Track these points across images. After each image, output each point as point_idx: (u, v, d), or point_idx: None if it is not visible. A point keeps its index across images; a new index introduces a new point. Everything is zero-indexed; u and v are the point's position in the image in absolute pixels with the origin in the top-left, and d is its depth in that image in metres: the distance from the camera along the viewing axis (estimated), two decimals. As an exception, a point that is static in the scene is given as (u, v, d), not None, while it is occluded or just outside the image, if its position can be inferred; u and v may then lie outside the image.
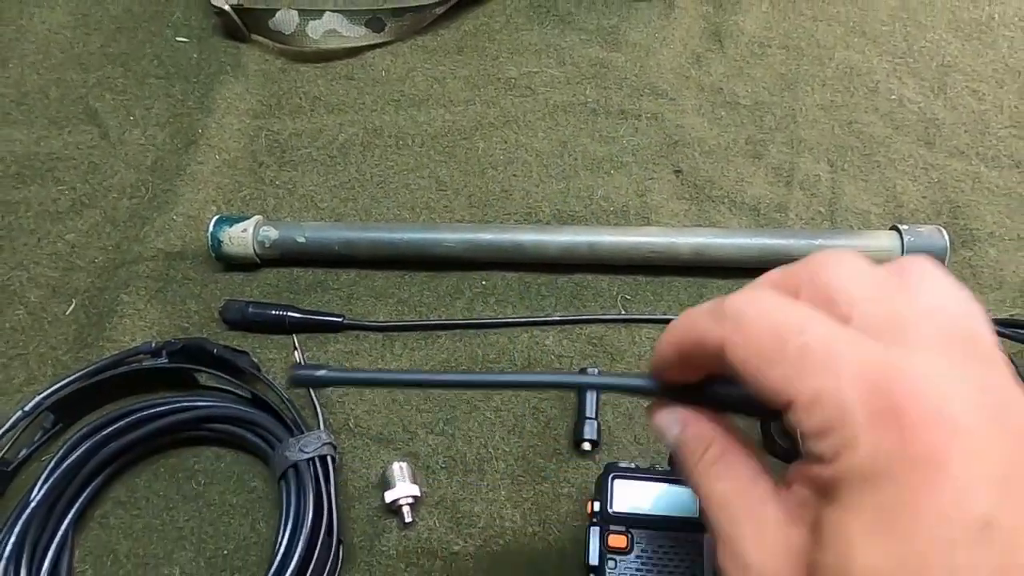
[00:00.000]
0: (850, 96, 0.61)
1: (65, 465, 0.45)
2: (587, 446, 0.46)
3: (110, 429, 0.46)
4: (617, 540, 0.37)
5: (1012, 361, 0.26)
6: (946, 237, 0.50)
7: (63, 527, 0.44)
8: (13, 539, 0.42)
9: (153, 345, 0.49)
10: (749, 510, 0.23)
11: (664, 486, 0.38)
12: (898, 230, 0.51)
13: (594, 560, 0.37)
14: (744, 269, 0.52)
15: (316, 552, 0.41)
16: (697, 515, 0.36)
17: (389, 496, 0.44)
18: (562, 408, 0.48)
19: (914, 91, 0.61)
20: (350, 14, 0.64)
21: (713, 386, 0.26)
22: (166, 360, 0.48)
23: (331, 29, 0.64)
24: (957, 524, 0.18)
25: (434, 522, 0.45)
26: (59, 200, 0.58)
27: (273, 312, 0.51)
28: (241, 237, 0.52)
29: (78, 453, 0.45)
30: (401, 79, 0.64)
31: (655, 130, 0.60)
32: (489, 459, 0.46)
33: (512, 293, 0.53)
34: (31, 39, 0.68)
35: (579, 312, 0.52)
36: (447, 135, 0.60)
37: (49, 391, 0.47)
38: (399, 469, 0.45)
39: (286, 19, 0.64)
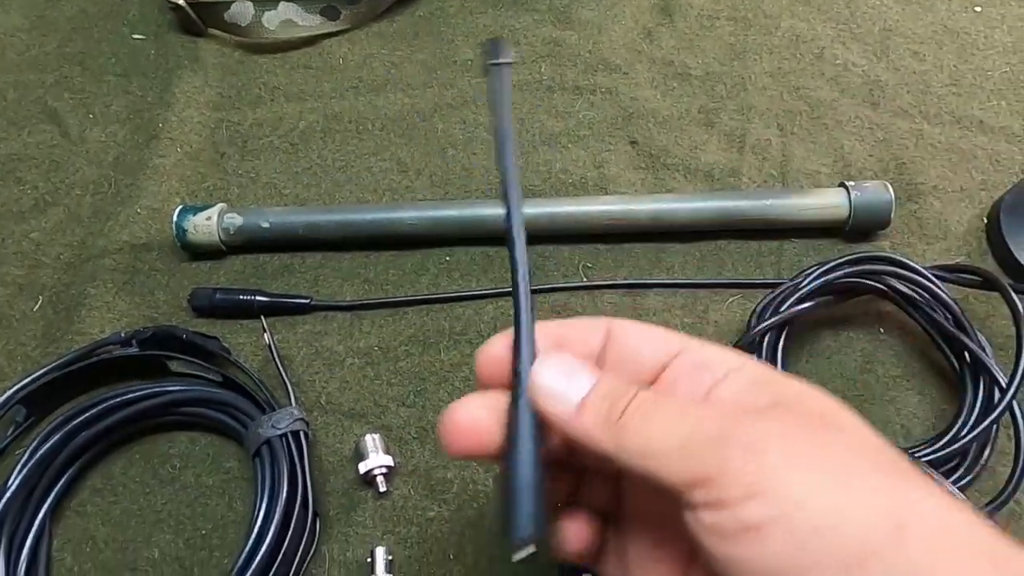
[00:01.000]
0: (797, 63, 0.63)
1: (39, 455, 0.45)
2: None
3: (82, 418, 0.46)
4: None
5: None
6: (891, 191, 0.52)
7: (40, 517, 0.45)
8: (-10, 529, 0.42)
9: (123, 335, 0.49)
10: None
11: None
12: (845, 187, 0.52)
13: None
14: (700, 232, 0.54)
15: (292, 525, 0.42)
16: None
17: (363, 467, 0.45)
18: (529, 374, 0.49)
19: (858, 55, 0.63)
20: (305, 3, 0.65)
21: None
22: (136, 349, 0.49)
23: (287, 19, 0.65)
24: None
25: (408, 491, 0.46)
26: (21, 200, 0.58)
27: (241, 297, 0.52)
28: (206, 225, 0.53)
29: (51, 443, 0.46)
30: (359, 66, 0.64)
31: (610, 104, 0.61)
32: (460, 427, 0.47)
33: (476, 267, 0.54)
34: (-14, 43, 0.68)
35: (542, 282, 0.53)
36: (406, 118, 0.61)
37: (19, 385, 0.47)
38: (372, 441, 0.46)
39: (241, 11, 0.64)
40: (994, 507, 0.41)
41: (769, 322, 0.45)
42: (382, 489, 0.45)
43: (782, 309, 0.46)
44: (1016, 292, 0.44)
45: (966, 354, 0.45)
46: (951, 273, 0.48)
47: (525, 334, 0.27)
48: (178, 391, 0.47)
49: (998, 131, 0.58)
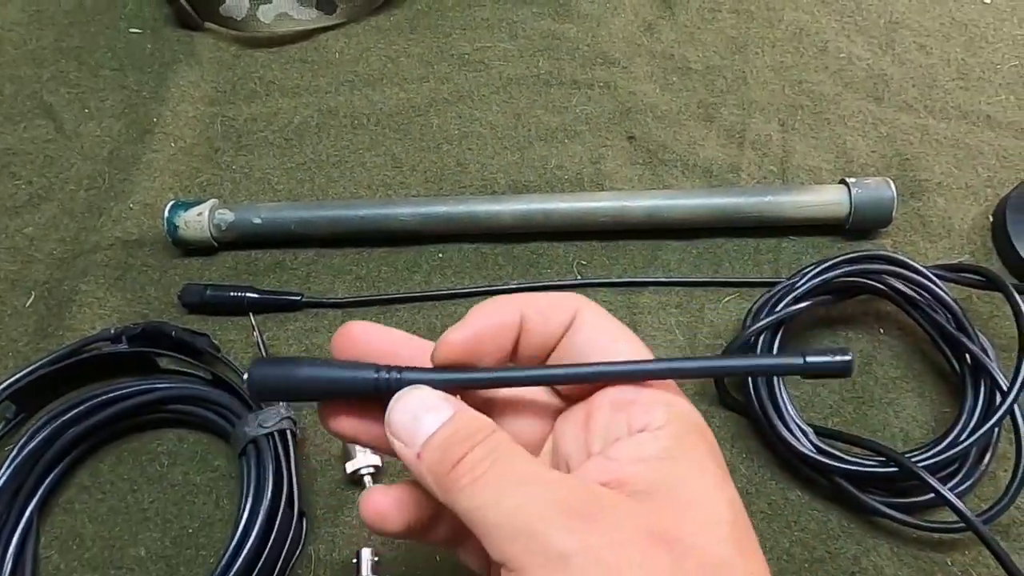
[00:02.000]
0: (800, 56, 0.61)
1: (26, 452, 0.45)
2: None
3: (71, 415, 0.46)
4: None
5: None
6: (893, 188, 0.51)
7: (27, 513, 0.44)
8: (-25, 526, 0.42)
9: (112, 331, 0.49)
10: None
11: None
12: (846, 183, 0.51)
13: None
14: (696, 229, 0.53)
15: (277, 525, 0.42)
16: None
17: (350, 467, 0.45)
18: (520, 373, 0.49)
19: (863, 48, 0.61)
20: (300, -3, 0.64)
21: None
22: (126, 345, 0.49)
23: (282, 12, 0.64)
24: None
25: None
26: (16, 195, 0.58)
27: (231, 294, 0.51)
28: (197, 221, 0.53)
29: (39, 440, 0.45)
30: (355, 60, 0.64)
31: (608, 98, 0.60)
32: (449, 426, 0.47)
33: (469, 264, 0.53)
34: (-17, 37, 0.68)
35: (536, 279, 0.52)
36: (402, 113, 0.60)
37: (9, 381, 0.47)
38: (359, 440, 0.45)
39: (237, 5, 0.64)
40: (993, 514, 0.40)
41: (764, 322, 0.44)
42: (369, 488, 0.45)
43: (778, 309, 0.45)
44: (1020, 292, 0.43)
45: (967, 356, 0.44)
46: (953, 272, 0.47)
47: None
48: (166, 389, 0.47)
49: (1006, 126, 0.57)
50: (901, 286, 0.46)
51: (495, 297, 0.26)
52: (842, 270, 0.46)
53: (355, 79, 0.62)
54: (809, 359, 0.25)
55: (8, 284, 0.54)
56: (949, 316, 0.45)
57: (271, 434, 0.44)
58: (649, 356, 0.26)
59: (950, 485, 0.42)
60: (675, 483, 0.22)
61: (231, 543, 0.41)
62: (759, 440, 0.46)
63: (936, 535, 0.42)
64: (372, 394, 0.25)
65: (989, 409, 0.42)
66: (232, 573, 0.40)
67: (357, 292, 0.52)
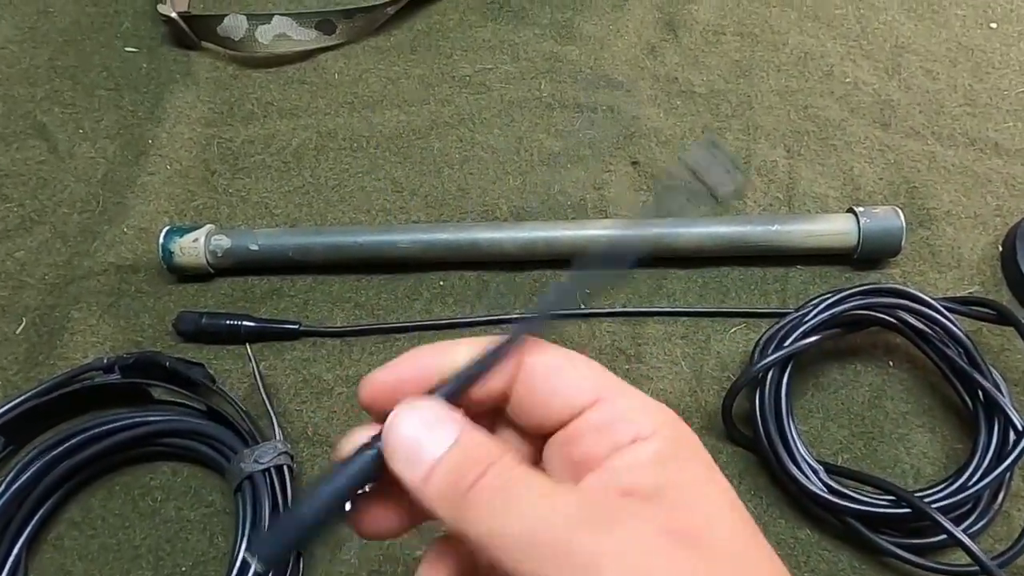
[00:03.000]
0: (805, 81, 0.61)
1: (16, 486, 0.44)
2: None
3: (62, 448, 0.45)
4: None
5: None
6: (902, 218, 0.50)
7: (15, 550, 0.43)
8: (-39, 565, 0.41)
9: (105, 361, 0.48)
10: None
11: None
12: (854, 212, 0.50)
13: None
14: (702, 259, 0.52)
15: (274, 564, 0.40)
16: None
17: (348, 504, 0.44)
18: (523, 406, 0.48)
19: (869, 73, 0.61)
20: (299, 17, 0.63)
21: None
22: (119, 376, 0.47)
23: (281, 33, 0.63)
24: None
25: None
26: (7, 217, 0.57)
27: (227, 322, 0.50)
28: (192, 247, 0.52)
29: (29, 474, 0.44)
30: (354, 81, 0.63)
31: (611, 122, 0.59)
32: (450, 461, 0.46)
33: (470, 292, 0.52)
34: (-23, 55, 0.66)
35: (539, 309, 0.51)
36: (402, 136, 0.59)
37: (-2, 412, 0.46)
38: (358, 476, 0.44)
39: (234, 24, 0.63)
40: (1007, 558, 0.39)
41: (772, 358, 0.43)
42: (368, 527, 0.43)
43: (786, 344, 0.44)
44: (1033, 327, 0.42)
45: (980, 392, 0.43)
46: (964, 306, 0.46)
47: None
48: (160, 421, 0.46)
49: (1014, 153, 0.56)
50: (912, 320, 0.45)
51: (438, 343, 0.25)
52: (852, 303, 0.45)
53: (355, 101, 0.62)
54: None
55: (-2, 310, 0.53)
56: (961, 351, 0.44)
57: (267, 470, 0.43)
58: (608, 380, 0.24)
59: (964, 526, 0.41)
60: (677, 483, 0.22)
61: (225, 585, 0.39)
62: (768, 477, 0.45)
63: (950, 578, 0.41)
64: (380, 474, 0.23)
65: (1003, 448, 0.41)
66: (226, 617, 0.38)
67: (356, 320, 0.51)
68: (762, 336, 0.46)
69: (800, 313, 0.46)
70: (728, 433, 0.46)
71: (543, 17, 0.66)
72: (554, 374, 0.24)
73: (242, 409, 0.46)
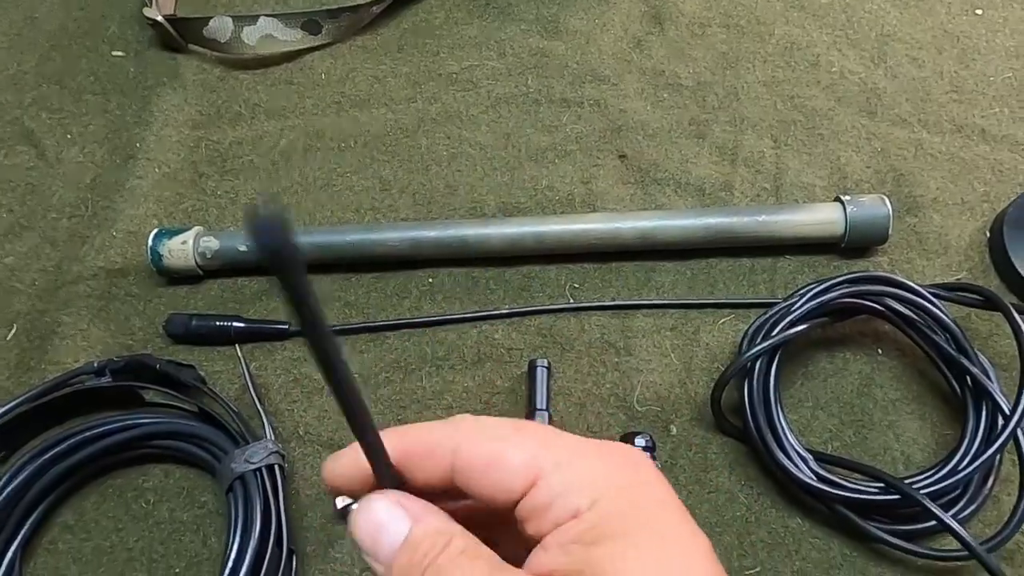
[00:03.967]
0: (791, 71, 0.61)
1: (8, 491, 0.44)
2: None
3: (53, 452, 0.45)
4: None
5: None
6: (888, 205, 0.50)
7: (9, 554, 0.43)
8: (-46, 571, 0.41)
9: (96, 365, 0.48)
10: None
11: None
12: (841, 201, 0.50)
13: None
14: (690, 250, 0.52)
15: (265, 564, 0.40)
16: None
17: (340, 502, 0.43)
18: (513, 402, 0.48)
19: (855, 62, 0.61)
20: (285, 18, 0.63)
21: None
22: (109, 379, 0.48)
23: (267, 34, 0.63)
24: None
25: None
26: (-3, 224, 0.57)
27: (217, 323, 0.50)
28: (181, 249, 0.52)
29: (21, 478, 0.44)
30: (341, 80, 0.63)
31: (598, 116, 0.59)
32: (441, 458, 0.46)
33: (459, 289, 0.52)
34: (-36, 62, 0.66)
35: (528, 304, 0.51)
36: (389, 134, 0.60)
37: (-11, 418, 0.46)
38: (349, 474, 0.44)
39: (220, 27, 0.63)
40: (996, 543, 0.39)
41: (760, 347, 0.43)
42: (360, 524, 0.43)
43: (774, 333, 0.44)
44: (1019, 312, 0.42)
45: (968, 378, 0.43)
46: (952, 292, 0.46)
47: (375, 456, 0.23)
48: (151, 424, 0.46)
49: (1001, 140, 0.56)
50: (900, 307, 0.45)
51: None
52: (839, 292, 0.45)
53: (342, 100, 0.62)
54: None
55: (-11, 317, 0.53)
56: (949, 337, 0.44)
57: (259, 470, 0.43)
58: (546, 450, 0.23)
59: (953, 511, 0.41)
60: (595, 564, 0.21)
61: (218, 585, 0.40)
62: (758, 467, 0.45)
63: (940, 563, 0.41)
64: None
65: (991, 433, 0.42)
66: (219, 617, 0.39)
67: (346, 319, 0.51)
68: (750, 326, 0.46)
69: (788, 302, 0.46)
70: (718, 424, 0.46)
71: (528, 13, 0.66)
72: (488, 465, 0.23)
73: (233, 410, 0.46)
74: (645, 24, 0.64)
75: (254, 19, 0.63)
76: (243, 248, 0.52)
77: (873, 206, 0.50)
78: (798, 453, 0.42)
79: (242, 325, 0.50)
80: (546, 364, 0.47)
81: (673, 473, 0.45)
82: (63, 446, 0.45)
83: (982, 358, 0.44)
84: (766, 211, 0.51)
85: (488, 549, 0.23)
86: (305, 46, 0.64)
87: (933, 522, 0.40)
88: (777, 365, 0.45)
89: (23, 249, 0.56)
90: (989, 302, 0.45)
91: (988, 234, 0.52)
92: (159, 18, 0.62)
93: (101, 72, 0.65)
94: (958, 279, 0.50)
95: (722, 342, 0.49)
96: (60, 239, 0.56)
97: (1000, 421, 0.41)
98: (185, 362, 0.48)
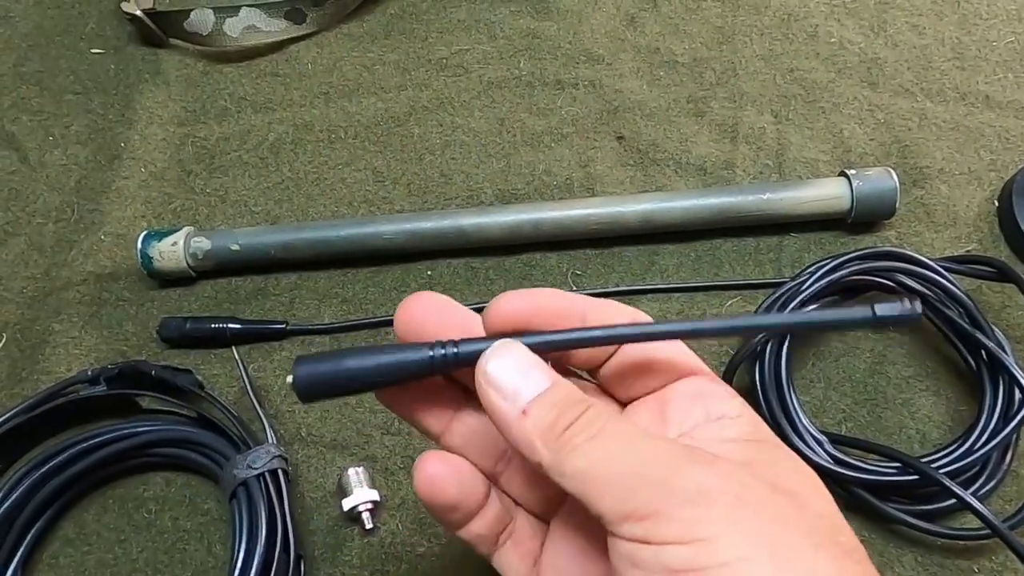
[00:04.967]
0: (789, 43, 0.59)
1: (6, 506, 0.43)
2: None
3: (51, 465, 0.44)
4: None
5: None
6: (895, 178, 0.49)
7: (10, 571, 0.42)
8: (-46, 591, 0.40)
9: (90, 373, 0.47)
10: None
11: None
12: (846, 176, 0.49)
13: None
14: (693, 232, 0.51)
15: (273, 570, 0.40)
16: None
17: (347, 504, 0.43)
18: (519, 394, 0.47)
19: (854, 32, 0.59)
20: (268, 7, 0.61)
21: None
22: (104, 387, 0.46)
23: (250, 25, 0.61)
24: None
25: (397, 525, 0.43)
26: (-19, 231, 0.56)
27: (212, 326, 0.49)
28: (172, 251, 0.50)
29: (19, 492, 0.43)
30: (328, 70, 0.61)
31: (594, 98, 0.58)
32: (448, 454, 0.45)
33: (459, 280, 0.51)
34: (-61, 66, 0.64)
35: (530, 293, 0.50)
36: (380, 124, 0.58)
37: (-18, 432, 0.45)
38: (355, 475, 0.43)
39: (202, 19, 0.61)
40: (1019, 519, 0.39)
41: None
42: (368, 526, 0.43)
43: (784, 314, 0.43)
44: (1034, 283, 0.42)
45: (983, 352, 0.42)
46: (963, 265, 0.45)
47: None
48: (149, 432, 0.45)
49: (1006, 106, 0.55)
50: (910, 282, 0.44)
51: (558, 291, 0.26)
52: (848, 269, 0.44)
53: (330, 90, 0.60)
54: (879, 312, 0.23)
55: (-23, 327, 0.52)
56: (962, 311, 0.43)
57: (262, 475, 0.42)
58: (699, 361, 0.26)
59: (973, 488, 0.40)
60: (768, 458, 0.23)
61: (225, 594, 0.39)
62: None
63: (961, 542, 0.40)
64: (429, 373, 0.25)
65: (1009, 409, 0.41)
66: (228, 627, 0.38)
67: (344, 316, 0.50)
68: (759, 307, 0.45)
69: (796, 282, 0.45)
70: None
71: (518, -7, 0.64)
72: (659, 343, 0.25)
73: (233, 414, 0.45)
74: (638, 0, 0.63)
75: (236, 10, 0.61)
76: (235, 247, 0.50)
77: (879, 179, 0.49)
78: (813, 436, 0.41)
79: (238, 326, 0.49)
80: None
81: (685, 461, 0.44)
82: (60, 458, 0.44)
83: (996, 331, 0.43)
84: (770, 188, 0.49)
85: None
86: (290, 36, 0.62)
87: (952, 501, 0.39)
88: (788, 347, 0.44)
89: (9, 256, 0.54)
90: (1002, 274, 0.44)
91: (996, 203, 0.51)
92: (138, 12, 0.61)
93: (81, 71, 0.63)
94: (968, 251, 0.49)
95: (730, 325, 0.48)
96: (47, 245, 0.55)
97: (1017, 395, 0.40)
98: (181, 366, 0.47)
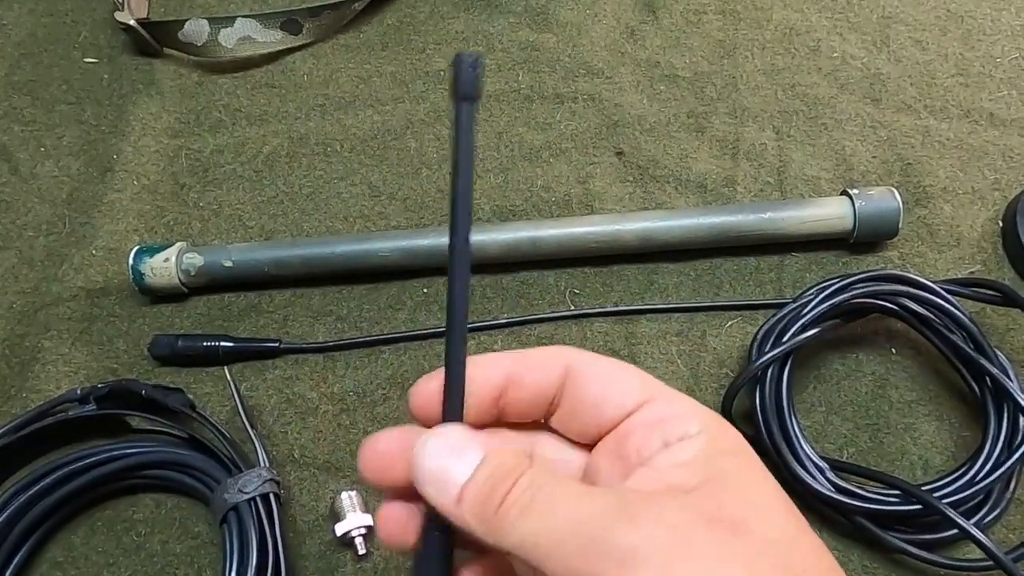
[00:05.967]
0: (791, 58, 0.59)
1: (-7, 530, 0.42)
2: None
3: (39, 486, 0.43)
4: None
5: None
6: (898, 198, 0.48)
7: (-4, 597, 0.42)
8: (-62, 617, 0.39)
9: (79, 392, 0.46)
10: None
11: None
12: (849, 195, 0.49)
13: None
14: (693, 251, 0.50)
15: (264, 598, 0.39)
16: None
17: (340, 529, 0.42)
18: (516, 416, 0.46)
19: (856, 47, 0.59)
20: (263, 18, 0.61)
21: None
22: (94, 407, 0.45)
23: (245, 36, 0.61)
24: None
25: (390, 552, 0.42)
26: (-29, 244, 0.55)
27: (204, 344, 0.48)
28: (164, 267, 0.49)
29: (6, 515, 0.43)
30: (324, 82, 0.60)
31: (593, 112, 0.57)
32: (443, 478, 0.44)
33: (456, 299, 0.50)
34: (-70, 74, 0.64)
35: (526, 312, 0.49)
36: (377, 137, 0.57)
37: (-31, 453, 0.44)
38: (348, 499, 0.43)
39: (196, 29, 0.60)
40: (1022, 552, 0.38)
41: (771, 354, 0.42)
42: (361, 551, 0.42)
43: (784, 339, 0.42)
44: (1039, 308, 0.41)
45: (987, 378, 0.42)
46: (967, 288, 0.44)
47: (453, 389, 0.23)
48: (139, 453, 0.44)
49: (1010, 124, 0.54)
50: (913, 306, 0.43)
51: (477, 356, 0.25)
52: (851, 292, 0.43)
53: (326, 103, 0.59)
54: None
55: (-34, 343, 0.51)
56: (965, 335, 0.43)
57: (253, 499, 0.41)
58: (654, 383, 0.25)
59: (975, 518, 0.39)
60: (721, 476, 0.22)
61: (215, 623, 0.38)
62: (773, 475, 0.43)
63: (963, 573, 0.40)
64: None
65: (1013, 437, 0.40)
66: (217, 657, 0.37)
67: (339, 334, 0.49)
68: (759, 330, 0.45)
69: (798, 304, 0.44)
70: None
71: (517, 4, 0.63)
72: (604, 379, 0.25)
73: (225, 435, 0.44)
74: (638, 13, 0.62)
75: (231, 20, 0.60)
76: (228, 263, 0.50)
77: (882, 199, 0.48)
78: (814, 463, 0.41)
79: (231, 344, 0.48)
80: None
81: (684, 486, 0.43)
82: (48, 480, 0.43)
83: (1001, 356, 0.42)
84: (771, 208, 0.49)
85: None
86: (285, 47, 0.61)
87: (955, 531, 0.38)
88: (789, 371, 0.43)
89: (-1, 270, 0.53)
90: (1007, 298, 0.43)
91: (1001, 223, 0.50)
92: (132, 22, 0.60)
93: (74, 80, 0.62)
94: (971, 272, 0.49)
95: (730, 346, 0.47)
96: (37, 258, 0.54)
97: (1022, 423, 0.40)
98: (172, 385, 0.46)
